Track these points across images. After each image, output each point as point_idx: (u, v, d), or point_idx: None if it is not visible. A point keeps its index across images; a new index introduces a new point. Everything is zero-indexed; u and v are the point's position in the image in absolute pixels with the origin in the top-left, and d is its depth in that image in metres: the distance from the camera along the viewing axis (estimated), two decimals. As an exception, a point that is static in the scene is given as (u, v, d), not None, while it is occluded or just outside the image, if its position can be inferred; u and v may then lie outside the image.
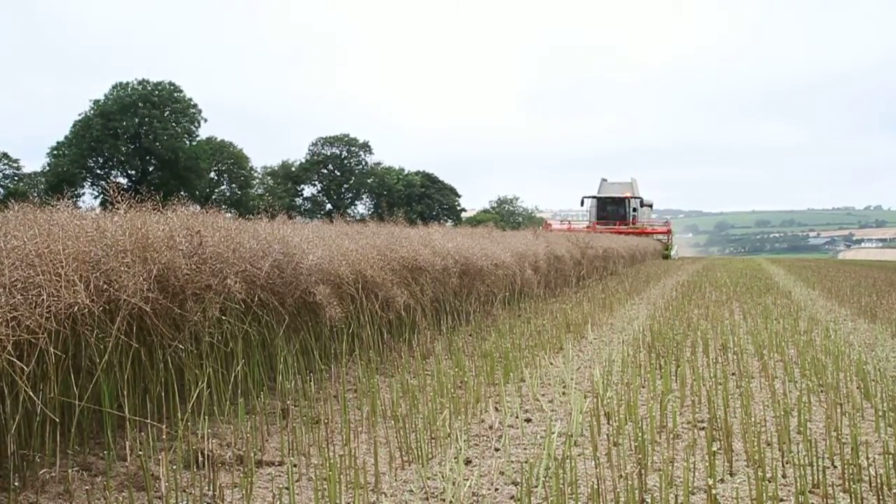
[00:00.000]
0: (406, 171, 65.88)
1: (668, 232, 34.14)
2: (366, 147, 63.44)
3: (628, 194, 34.09)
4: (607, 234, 21.57)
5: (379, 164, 64.04)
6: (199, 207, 4.76)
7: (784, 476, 2.91)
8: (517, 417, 3.78)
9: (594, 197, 34.68)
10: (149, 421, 3.31)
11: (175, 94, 48.58)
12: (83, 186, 47.05)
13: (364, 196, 63.92)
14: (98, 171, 47.74)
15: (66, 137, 47.17)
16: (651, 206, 38.14)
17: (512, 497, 2.70)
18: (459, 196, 67.81)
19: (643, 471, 2.83)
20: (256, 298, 4.13)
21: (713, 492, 2.46)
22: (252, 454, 3.08)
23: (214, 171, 53.85)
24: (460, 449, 3.19)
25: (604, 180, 35.92)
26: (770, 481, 2.81)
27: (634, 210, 33.80)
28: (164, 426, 3.36)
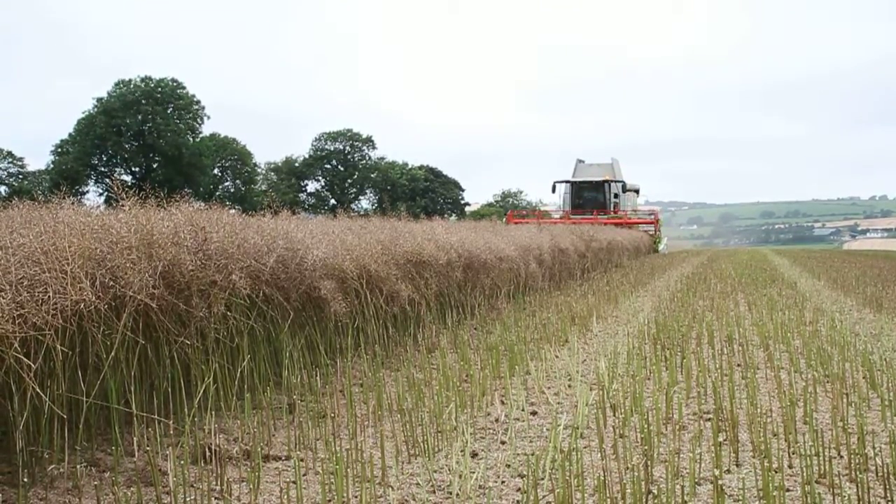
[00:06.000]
0: (410, 166, 65.83)
1: (656, 222, 28.78)
2: (369, 142, 63.42)
3: (608, 177, 28.81)
4: (583, 225, 16.66)
5: (382, 158, 64.02)
6: (203, 204, 4.76)
7: (790, 466, 2.91)
8: (523, 410, 3.79)
9: (568, 181, 29.22)
10: (156, 416, 3.32)
11: (178, 91, 48.62)
12: (87, 184, 47.20)
13: (368, 191, 63.92)
14: (102, 169, 47.84)
15: (70, 135, 47.29)
16: (637, 191, 32.68)
17: (518, 489, 2.71)
18: (463, 190, 67.80)
19: (649, 462, 2.83)
20: (261, 294, 4.14)
21: (719, 482, 2.46)
22: (259, 449, 3.09)
23: (218, 167, 53.93)
24: (466, 442, 3.20)
25: (580, 162, 30.42)
26: (776, 472, 2.81)
27: (615, 196, 28.59)
28: (171, 422, 3.38)
